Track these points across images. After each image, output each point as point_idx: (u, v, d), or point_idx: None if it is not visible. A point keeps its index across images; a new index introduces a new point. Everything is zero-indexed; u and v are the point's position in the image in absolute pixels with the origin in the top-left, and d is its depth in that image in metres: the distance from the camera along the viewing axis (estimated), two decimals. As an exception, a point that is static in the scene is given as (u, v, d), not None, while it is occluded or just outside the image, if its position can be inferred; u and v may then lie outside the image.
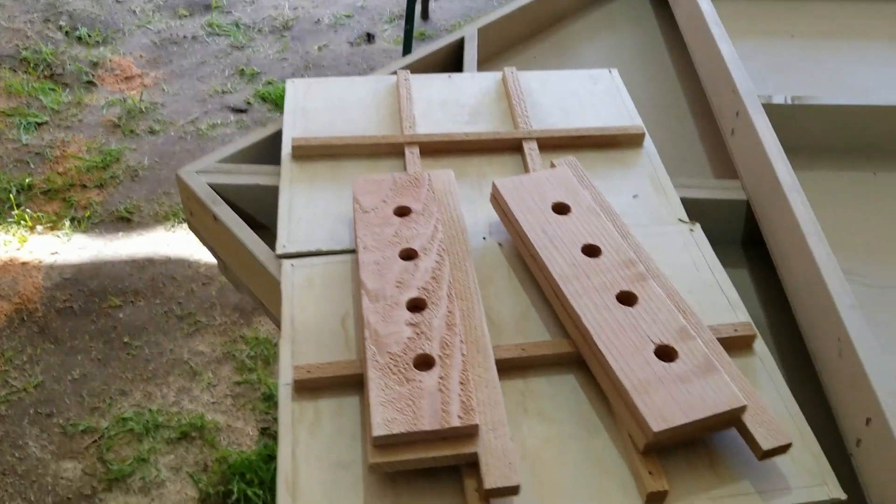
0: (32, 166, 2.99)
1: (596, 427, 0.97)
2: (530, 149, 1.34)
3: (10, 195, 2.84)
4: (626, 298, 1.04)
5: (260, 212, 1.34)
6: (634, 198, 1.28)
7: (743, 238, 1.36)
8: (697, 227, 1.23)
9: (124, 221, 2.77)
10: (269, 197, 1.30)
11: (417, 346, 0.97)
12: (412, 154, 1.31)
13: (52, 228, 2.75)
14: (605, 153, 1.37)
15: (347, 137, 1.34)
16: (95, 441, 2.16)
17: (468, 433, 0.89)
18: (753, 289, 1.28)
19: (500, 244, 1.20)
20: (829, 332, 1.06)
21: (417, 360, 0.96)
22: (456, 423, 0.88)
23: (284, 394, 1.01)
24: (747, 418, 0.93)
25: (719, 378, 0.94)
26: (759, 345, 1.07)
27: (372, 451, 0.89)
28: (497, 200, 1.20)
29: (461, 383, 0.93)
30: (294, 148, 1.32)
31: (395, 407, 0.90)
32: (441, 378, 0.94)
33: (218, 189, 1.31)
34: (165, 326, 2.46)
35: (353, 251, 1.18)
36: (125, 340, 2.42)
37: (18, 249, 2.66)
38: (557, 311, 1.08)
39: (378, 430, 0.88)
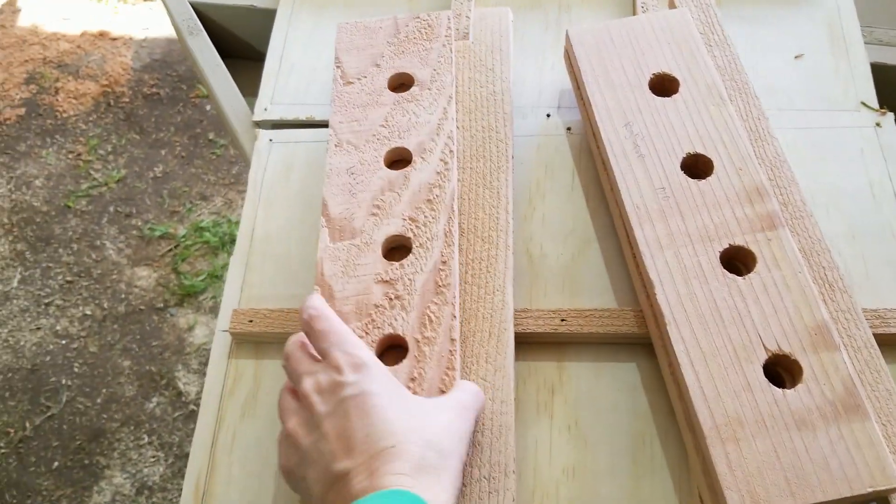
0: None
1: (653, 461, 0.63)
2: (645, -33, 0.88)
3: (107, -43, 2.57)
4: (738, 259, 0.65)
5: (259, 40, 0.98)
6: (796, 59, 0.83)
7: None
8: (890, 119, 0.78)
9: (221, -6, 2.46)
10: (269, 23, 0.94)
11: (386, 321, 0.63)
12: (465, -29, 0.89)
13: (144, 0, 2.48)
14: (764, -24, 0.90)
15: (383, -62, 0.93)
16: (171, 249, 2.01)
17: (430, 484, 0.58)
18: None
19: (568, 128, 0.80)
20: None
21: (382, 343, 0.63)
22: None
23: (219, 345, 0.72)
24: (903, 497, 0.57)
25: (864, 428, 0.56)
26: (954, 344, 0.66)
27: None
28: (570, 60, 0.79)
29: (441, 390, 0.60)
30: (307, -48, 0.93)
31: None
32: (412, 379, 0.61)
33: (202, 10, 0.96)
34: (254, 123, 2.21)
35: (357, 123, 0.83)
36: (210, 137, 2.19)
37: (110, 22, 2.43)
38: (628, 261, 0.70)
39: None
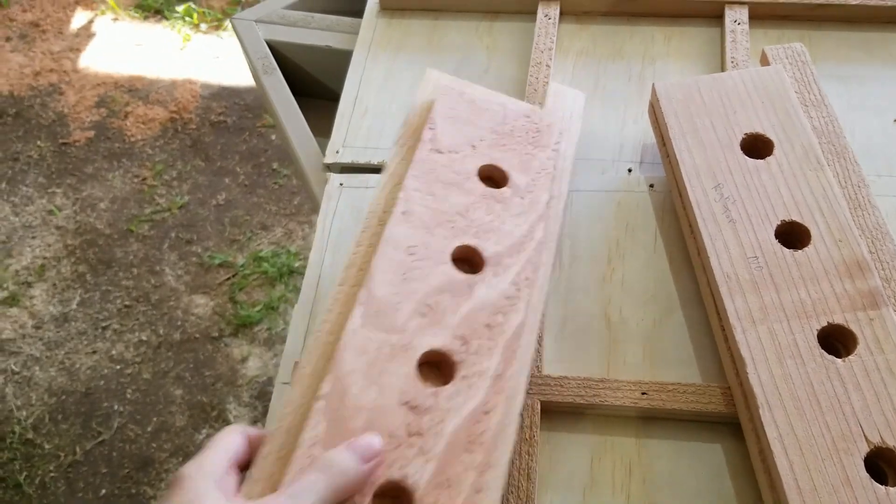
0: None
1: (738, 555, 0.58)
2: (735, 19, 0.85)
3: (179, -17, 2.61)
4: (836, 339, 0.60)
5: (334, 80, 0.97)
6: (895, 122, 0.78)
7: None
8: None
9: (290, 26, 2.48)
10: (344, 64, 0.92)
11: (396, 461, 0.51)
12: (547, 17, 0.87)
13: (216, 28, 2.51)
14: (857, 33, 0.86)
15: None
16: (229, 278, 2.00)
17: None
18: None
19: (651, 185, 0.77)
20: None
21: (382, 490, 0.51)
22: None
23: (278, 398, 0.69)
24: None
25: (982, 537, 0.51)
26: None
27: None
28: (655, 114, 0.75)
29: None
30: (385, -8, 0.92)
31: None
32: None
33: (278, 48, 0.95)
34: (317, 155, 2.21)
35: (430, 170, 0.80)
36: (273, 167, 2.20)
37: (182, 49, 2.47)
38: (715, 333, 0.66)
39: None
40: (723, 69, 0.82)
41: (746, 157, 0.69)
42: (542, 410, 0.63)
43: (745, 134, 0.70)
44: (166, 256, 2.06)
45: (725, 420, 0.62)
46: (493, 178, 0.68)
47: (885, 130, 0.78)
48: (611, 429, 0.64)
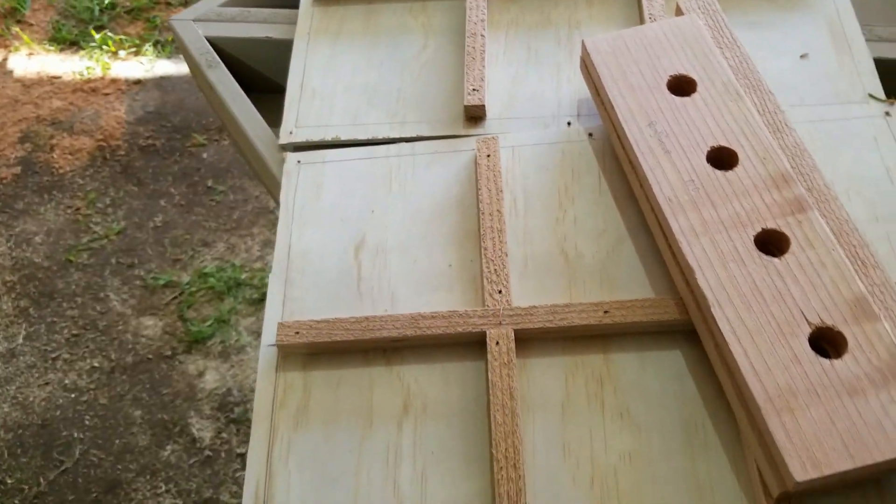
0: (119, -19, 2.72)
1: (707, 443, 0.64)
2: (649, -19, 0.92)
3: (93, 13, 2.60)
4: (771, 242, 0.67)
5: (277, 72, 1.01)
6: (802, 58, 0.86)
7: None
8: (898, 107, 0.81)
9: (210, 46, 2.49)
10: (284, 54, 0.96)
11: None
12: (475, -6, 0.92)
13: (135, 54, 2.51)
14: (762, -17, 0.94)
15: (393, -33, 0.97)
16: (176, 297, 2.01)
17: None
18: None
19: (590, 134, 0.83)
20: None
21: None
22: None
23: (266, 359, 0.73)
24: (956, 457, 0.58)
25: (914, 392, 0.58)
26: (984, 312, 0.69)
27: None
28: (588, 69, 0.82)
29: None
30: (319, -15, 0.97)
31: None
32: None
33: (219, 44, 0.99)
34: (251, 170, 2.23)
35: (383, 142, 0.85)
36: (209, 185, 2.21)
37: (102, 78, 2.46)
38: (663, 252, 0.72)
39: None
40: (642, 24, 0.89)
41: (673, 96, 0.76)
42: (516, 339, 0.68)
43: (670, 76, 0.77)
44: (109, 283, 2.05)
45: (681, 328, 0.69)
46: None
47: (793, 67, 0.86)
48: (579, 349, 0.69)
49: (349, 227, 0.79)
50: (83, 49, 2.53)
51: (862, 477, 0.58)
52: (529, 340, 0.70)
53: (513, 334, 0.68)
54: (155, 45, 2.52)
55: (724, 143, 0.72)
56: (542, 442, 0.65)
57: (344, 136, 0.85)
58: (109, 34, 2.54)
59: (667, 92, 0.76)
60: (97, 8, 2.62)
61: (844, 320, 0.61)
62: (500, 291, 0.71)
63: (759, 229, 0.67)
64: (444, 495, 0.64)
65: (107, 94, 2.42)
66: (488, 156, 0.79)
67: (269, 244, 2.10)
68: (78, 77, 2.47)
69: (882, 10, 0.96)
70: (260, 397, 0.71)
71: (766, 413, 0.58)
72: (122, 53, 2.51)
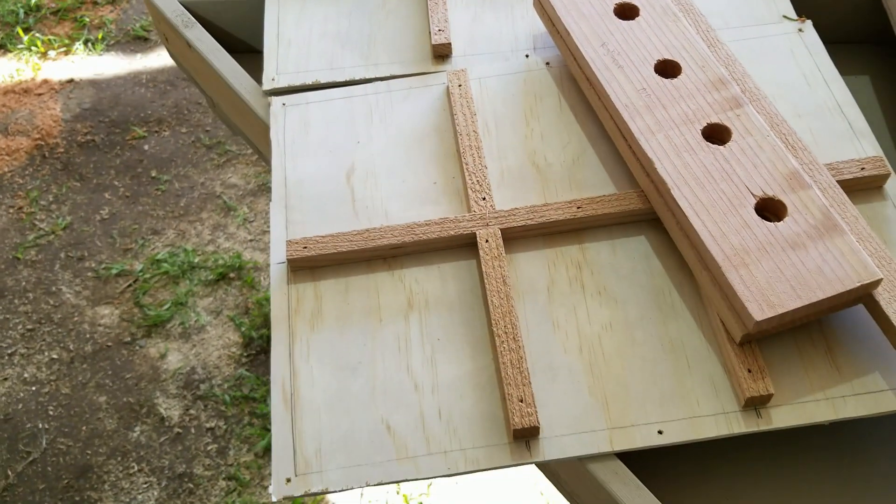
0: (40, -17, 2.72)
1: (675, 308, 0.75)
2: (585, -71, 1.02)
3: (18, 16, 2.59)
4: (716, 133, 0.78)
5: (248, 32, 1.07)
6: (724, -11, 0.98)
7: (870, 36, 1.04)
8: (809, 25, 0.93)
9: (141, 41, 2.51)
10: (255, 14, 1.03)
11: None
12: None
13: (65, 53, 2.51)
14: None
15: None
16: (130, 285, 2.03)
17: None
18: (886, 109, 0.99)
19: (547, 63, 0.93)
20: None
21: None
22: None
23: (277, 275, 0.80)
24: (881, 294, 0.69)
25: (844, 241, 0.69)
26: (894, 185, 0.81)
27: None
28: (542, 4, 0.91)
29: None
30: (283, -52, 1.04)
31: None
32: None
33: (191, 6, 1.05)
34: (194, 157, 2.27)
35: (360, 82, 0.93)
36: (153, 175, 2.24)
37: (33, 79, 2.46)
38: (623, 154, 0.82)
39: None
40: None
41: (620, 20, 0.86)
42: (503, 237, 0.77)
43: (616, 3, 0.87)
44: (60, 276, 2.07)
45: (644, 217, 0.79)
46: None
47: (717, -2, 0.97)
48: (558, 242, 0.79)
49: (338, 157, 0.87)
50: (10, 52, 2.52)
51: (808, 316, 0.69)
52: (513, 238, 0.79)
53: (500, 233, 0.77)
54: (85, 43, 2.53)
55: (668, 57, 0.82)
56: (534, 321, 0.75)
57: (323, 80, 0.93)
58: (37, 35, 2.54)
59: (614, 17, 0.86)
60: (22, 11, 2.61)
61: (783, 190, 0.72)
62: (483, 198, 0.80)
63: (705, 124, 0.77)
64: (453, 373, 0.73)
65: (40, 95, 2.43)
66: (459, 85, 0.88)
67: (219, 228, 2.14)
68: (8, 80, 2.46)
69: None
70: (276, 309, 0.78)
71: (726, 269, 0.69)
72: (51, 54, 2.51)
